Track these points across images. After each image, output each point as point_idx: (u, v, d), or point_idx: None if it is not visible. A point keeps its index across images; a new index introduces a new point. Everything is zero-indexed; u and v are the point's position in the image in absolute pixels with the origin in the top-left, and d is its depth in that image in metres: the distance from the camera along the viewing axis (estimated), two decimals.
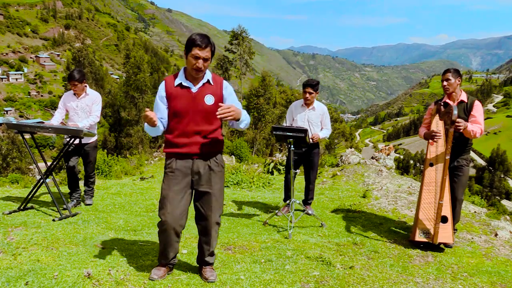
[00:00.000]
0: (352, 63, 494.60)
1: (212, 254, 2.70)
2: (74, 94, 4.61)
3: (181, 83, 2.45)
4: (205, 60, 2.37)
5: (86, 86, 4.67)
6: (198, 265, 2.78)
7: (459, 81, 3.67)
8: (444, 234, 3.52)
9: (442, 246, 3.65)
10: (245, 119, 2.50)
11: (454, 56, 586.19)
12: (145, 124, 2.44)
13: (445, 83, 3.69)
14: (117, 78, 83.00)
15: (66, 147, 4.37)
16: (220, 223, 2.67)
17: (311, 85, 4.54)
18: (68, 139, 4.40)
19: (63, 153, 4.42)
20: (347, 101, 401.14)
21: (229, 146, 25.35)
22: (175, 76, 2.50)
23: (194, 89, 2.45)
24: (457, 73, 3.70)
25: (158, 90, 2.51)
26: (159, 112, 2.50)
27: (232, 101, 2.54)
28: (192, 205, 2.61)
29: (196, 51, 2.34)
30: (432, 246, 3.59)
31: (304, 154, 4.63)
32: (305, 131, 4.04)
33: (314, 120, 4.62)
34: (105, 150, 12.51)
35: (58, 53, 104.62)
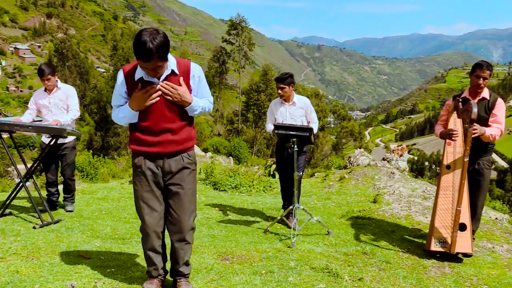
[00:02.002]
0: (362, 55, 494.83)
1: (187, 263, 2.66)
2: (45, 90, 4.62)
3: (142, 78, 2.36)
4: (156, 68, 2.25)
5: (57, 80, 4.68)
6: (171, 278, 2.72)
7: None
8: (463, 243, 3.52)
9: (460, 256, 3.65)
10: (199, 109, 2.47)
11: (473, 48, 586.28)
12: (124, 108, 2.39)
13: (481, 81, 3.58)
14: (103, 72, 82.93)
15: (47, 148, 4.37)
16: (195, 228, 2.64)
17: (280, 79, 4.58)
18: (47, 142, 4.40)
19: (44, 154, 4.42)
20: (356, 97, 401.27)
21: (227, 146, 25.35)
22: (134, 67, 2.39)
23: (158, 82, 2.37)
24: (492, 71, 3.63)
25: (117, 82, 2.45)
26: (123, 103, 2.46)
27: (201, 95, 2.51)
28: None
29: (141, 64, 2.23)
30: (449, 256, 3.59)
31: (292, 154, 4.62)
32: (310, 129, 4.04)
33: (296, 115, 4.64)
34: (91, 151, 12.51)
35: (39, 45, 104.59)
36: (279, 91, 4.60)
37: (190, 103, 2.41)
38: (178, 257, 2.61)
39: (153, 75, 2.31)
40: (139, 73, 2.37)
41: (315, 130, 4.68)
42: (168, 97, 2.35)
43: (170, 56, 2.37)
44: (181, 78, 2.39)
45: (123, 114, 2.43)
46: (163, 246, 2.65)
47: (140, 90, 2.34)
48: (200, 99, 2.51)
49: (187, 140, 2.49)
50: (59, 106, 4.63)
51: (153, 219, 2.51)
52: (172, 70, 2.39)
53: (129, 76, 2.40)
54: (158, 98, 2.36)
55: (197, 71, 2.48)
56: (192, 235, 2.61)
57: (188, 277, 2.71)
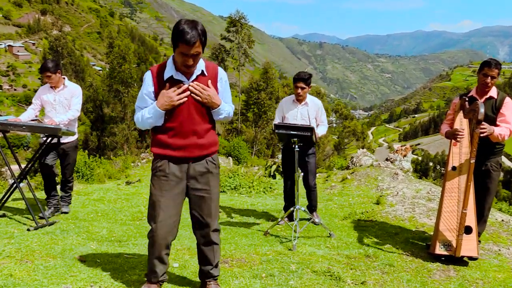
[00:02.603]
0: (364, 53, 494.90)
1: (217, 265, 2.71)
2: (51, 87, 4.61)
3: (172, 76, 2.41)
4: (194, 56, 2.31)
5: (64, 78, 4.67)
6: (200, 281, 2.77)
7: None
8: (468, 246, 3.52)
9: (465, 259, 3.65)
10: (224, 114, 2.54)
11: (479, 45, 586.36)
12: (151, 109, 2.40)
13: (489, 79, 3.57)
14: (99, 70, 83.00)
15: (42, 148, 4.37)
16: (220, 230, 2.70)
17: (303, 79, 4.55)
18: (44, 139, 4.39)
19: (38, 154, 4.42)
20: (359, 95, 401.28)
21: (226, 146, 25.37)
22: (163, 66, 2.45)
23: (187, 82, 2.42)
24: (500, 69, 3.61)
25: (144, 83, 2.47)
26: (148, 105, 2.48)
27: (223, 97, 2.55)
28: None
29: (183, 49, 2.27)
30: (455, 259, 3.59)
31: (299, 156, 4.62)
32: (311, 129, 4.04)
33: (307, 116, 4.64)
34: (86, 151, 12.52)
35: (33, 42, 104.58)
36: (299, 91, 4.55)
37: (218, 105, 2.47)
38: (208, 260, 2.66)
39: (190, 65, 2.32)
40: (169, 72, 2.41)
41: (323, 132, 4.68)
42: (198, 98, 2.40)
43: (200, 59, 2.44)
44: (209, 81, 2.44)
45: (149, 114, 2.42)
46: (168, 254, 2.63)
47: (169, 89, 2.37)
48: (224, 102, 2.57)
49: (212, 145, 2.54)
50: (63, 104, 4.62)
51: (166, 228, 2.47)
52: (202, 71, 2.44)
53: (158, 75, 2.43)
54: (186, 98, 2.39)
55: (224, 75, 2.55)
56: (218, 236, 2.67)
57: (217, 278, 2.75)
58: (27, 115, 4.58)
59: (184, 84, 2.40)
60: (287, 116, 4.68)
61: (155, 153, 2.51)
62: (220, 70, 2.54)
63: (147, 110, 2.44)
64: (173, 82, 2.40)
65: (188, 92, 2.40)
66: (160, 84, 2.42)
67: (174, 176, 2.47)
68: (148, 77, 2.46)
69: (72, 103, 4.64)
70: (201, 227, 2.59)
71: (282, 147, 4.90)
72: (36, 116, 4.73)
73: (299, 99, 4.63)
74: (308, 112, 4.62)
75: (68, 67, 48.01)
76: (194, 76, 2.43)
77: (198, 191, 2.52)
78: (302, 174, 4.48)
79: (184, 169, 2.48)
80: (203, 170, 2.51)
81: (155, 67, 2.49)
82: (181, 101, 2.38)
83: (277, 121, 4.76)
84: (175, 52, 2.34)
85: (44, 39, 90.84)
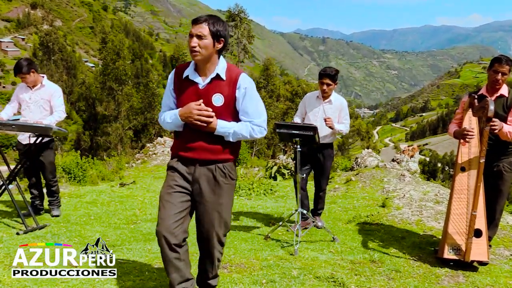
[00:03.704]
0: (370, 49, 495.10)
1: (215, 276, 2.71)
2: (28, 85, 4.62)
3: (188, 76, 2.44)
4: (198, 37, 2.32)
5: (43, 76, 4.68)
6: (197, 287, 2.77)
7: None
8: (478, 250, 3.52)
9: (475, 264, 3.65)
10: (231, 136, 2.44)
11: (489, 40, 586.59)
12: (173, 115, 2.44)
13: (499, 76, 3.57)
14: (92, 67, 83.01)
15: (30, 148, 4.37)
16: (224, 244, 2.63)
17: (330, 75, 4.53)
18: (26, 139, 4.40)
19: (29, 156, 4.42)
20: (364, 93, 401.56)
21: None
22: (186, 65, 2.50)
23: (202, 85, 2.42)
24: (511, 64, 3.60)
25: (168, 80, 2.54)
26: (170, 106, 2.53)
27: (247, 104, 2.44)
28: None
29: (190, 29, 2.35)
30: (464, 264, 3.59)
31: (314, 156, 4.62)
32: (314, 128, 4.04)
33: (330, 114, 4.63)
34: (79, 151, 12.53)
35: (23, 37, 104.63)
36: (324, 87, 4.53)
37: (214, 129, 2.39)
38: (206, 270, 2.65)
39: (192, 46, 2.32)
40: (188, 71, 2.44)
41: (343, 129, 4.64)
42: (197, 123, 2.37)
43: (221, 59, 2.44)
44: (211, 110, 2.38)
45: (170, 120, 2.47)
46: (181, 260, 2.50)
47: (195, 102, 2.36)
48: (243, 120, 2.47)
49: (223, 153, 2.48)
50: (38, 104, 4.60)
51: (164, 227, 2.44)
52: (218, 74, 2.41)
53: (179, 73, 2.48)
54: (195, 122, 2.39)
55: (246, 83, 2.44)
56: (221, 249, 2.62)
57: None
58: (6, 113, 4.59)
59: (198, 88, 2.42)
60: (309, 113, 4.68)
61: (171, 153, 2.58)
62: (243, 77, 2.44)
63: (169, 115, 2.47)
64: (188, 83, 2.43)
65: (198, 112, 2.37)
66: (179, 83, 2.47)
67: (181, 176, 2.48)
68: (171, 75, 2.52)
69: (55, 105, 4.64)
70: (201, 238, 2.57)
71: (299, 148, 4.86)
72: (14, 114, 4.74)
73: (324, 96, 4.63)
74: (331, 111, 4.61)
75: (59, 64, 47.96)
76: (208, 79, 2.41)
77: (201, 198, 2.49)
78: (304, 175, 4.49)
79: (191, 170, 2.48)
80: (209, 178, 2.47)
81: (181, 65, 2.53)
82: (197, 123, 2.37)
83: (297, 116, 4.78)
84: None
85: (34, 34, 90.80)
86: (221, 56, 2.46)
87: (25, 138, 4.54)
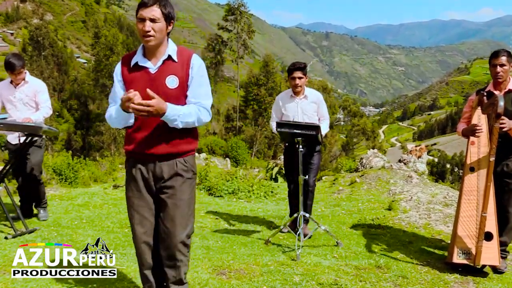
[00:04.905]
0: (375, 44, 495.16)
1: (180, 282, 2.58)
2: (11, 82, 4.60)
3: (137, 62, 2.40)
4: (152, 20, 2.29)
5: (26, 72, 4.65)
6: None
7: None
8: (488, 254, 3.52)
9: (488, 268, 3.65)
10: (179, 119, 2.32)
11: (500, 35, 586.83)
12: (114, 109, 2.39)
13: (499, 69, 3.62)
14: (84, 63, 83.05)
15: (21, 149, 4.37)
16: (190, 245, 2.57)
17: (300, 68, 4.55)
18: (16, 139, 4.40)
19: (18, 156, 4.42)
20: (369, 91, 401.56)
21: (223, 146, 25.38)
22: (133, 53, 2.46)
23: (153, 68, 2.39)
24: (511, 56, 3.67)
25: (114, 72, 2.48)
26: (118, 99, 2.40)
27: (197, 85, 2.42)
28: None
29: (140, 13, 2.29)
30: (474, 270, 3.60)
31: (303, 154, 4.60)
32: (317, 127, 4.04)
33: (309, 111, 4.63)
34: (70, 152, 12.51)
35: (11, 32, 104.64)
36: (296, 82, 4.53)
37: (164, 114, 2.26)
38: (167, 275, 2.55)
39: (146, 31, 2.28)
40: (136, 58, 2.41)
41: (327, 128, 4.67)
42: (144, 114, 2.23)
43: (170, 42, 2.43)
44: (148, 90, 2.22)
45: (115, 114, 2.40)
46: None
47: (127, 95, 2.24)
48: (191, 102, 2.42)
49: (183, 143, 2.45)
50: (24, 101, 4.59)
51: (143, 229, 2.49)
52: (170, 56, 2.40)
53: (125, 62, 2.43)
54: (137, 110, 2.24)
55: (198, 63, 2.44)
56: (185, 252, 2.54)
57: None
58: None
59: (150, 72, 2.37)
60: (286, 113, 4.66)
61: (125, 150, 2.51)
62: (195, 57, 2.45)
63: (114, 110, 2.41)
64: (139, 69, 2.39)
65: (135, 106, 2.21)
66: (128, 72, 2.42)
67: (141, 176, 2.46)
68: (117, 67, 2.46)
69: (41, 101, 4.63)
70: (162, 236, 2.50)
71: (284, 147, 4.88)
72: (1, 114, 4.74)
73: (297, 91, 4.62)
74: (309, 106, 4.62)
75: (50, 60, 47.99)
76: (160, 62, 2.39)
77: (163, 194, 2.46)
78: (306, 177, 4.48)
79: (151, 168, 2.44)
80: (171, 172, 2.44)
81: (126, 55, 2.49)
82: (131, 110, 2.23)
83: (273, 120, 4.74)
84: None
85: (24, 29, 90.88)
86: (169, 39, 2.44)
87: (14, 137, 4.53)
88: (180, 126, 2.34)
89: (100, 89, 37.89)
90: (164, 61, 2.39)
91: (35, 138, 4.60)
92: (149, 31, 2.28)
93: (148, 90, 2.21)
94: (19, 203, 4.86)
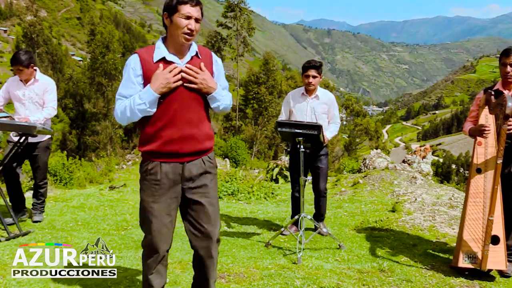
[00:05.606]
0: (378, 41, 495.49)
1: (215, 280, 2.69)
2: (21, 80, 4.60)
3: (164, 57, 2.39)
4: (197, 21, 2.38)
5: (36, 70, 4.65)
6: None
7: None
8: (495, 258, 3.52)
9: (494, 272, 3.65)
10: (222, 100, 2.52)
11: (507, 32, 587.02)
12: (144, 94, 2.34)
13: (509, 68, 3.59)
14: (79, 60, 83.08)
15: (14, 148, 4.37)
16: (220, 241, 2.64)
17: (315, 66, 4.55)
18: (17, 138, 4.39)
19: (11, 155, 4.42)
20: (372, 89, 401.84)
21: (222, 146, 25.37)
22: (151, 49, 2.44)
23: (182, 64, 2.41)
24: None
25: (130, 67, 2.41)
26: (133, 94, 2.40)
27: (218, 80, 2.56)
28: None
29: (187, 9, 2.33)
30: (480, 274, 3.60)
31: (309, 157, 4.61)
32: (319, 127, 4.04)
33: (319, 111, 4.62)
34: (65, 152, 12.51)
35: (5, 29, 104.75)
36: (310, 80, 4.52)
37: (215, 89, 2.45)
38: (207, 275, 2.59)
39: (192, 30, 2.35)
40: (160, 53, 2.40)
41: (334, 132, 4.66)
42: (192, 82, 2.39)
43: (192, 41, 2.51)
44: (202, 64, 2.44)
45: (141, 100, 2.33)
46: (166, 266, 2.60)
47: (164, 70, 2.34)
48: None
49: (208, 138, 2.51)
50: (33, 100, 4.60)
51: (162, 238, 2.44)
52: (197, 52, 2.47)
53: (146, 58, 2.41)
54: (181, 82, 2.38)
55: (218, 59, 2.60)
56: (217, 249, 2.61)
57: None
58: None
59: (178, 67, 2.39)
60: (295, 110, 4.66)
61: (144, 151, 2.44)
62: (214, 54, 2.60)
63: (138, 96, 2.35)
64: (165, 64, 2.39)
65: (181, 75, 2.38)
66: (149, 68, 2.39)
67: (167, 179, 2.42)
68: (134, 60, 2.40)
69: (47, 100, 4.63)
70: (200, 237, 2.51)
71: (289, 148, 4.88)
72: (0, 111, 4.73)
73: (310, 90, 4.61)
74: (319, 106, 4.61)
75: (44, 57, 48.01)
76: (188, 57, 2.43)
77: (195, 195, 2.46)
78: (309, 178, 4.49)
79: (178, 170, 2.42)
80: (200, 171, 2.47)
81: (142, 49, 2.47)
82: (178, 83, 2.36)
83: (283, 117, 4.74)
84: (172, 21, 2.35)
85: (17, 26, 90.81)
86: None
87: (17, 136, 4.53)
88: (221, 108, 2.53)
89: (96, 88, 37.84)
90: (192, 57, 2.46)
91: (46, 137, 4.65)
92: (193, 30, 2.37)
93: (189, 65, 2.39)
94: (10, 203, 4.86)
